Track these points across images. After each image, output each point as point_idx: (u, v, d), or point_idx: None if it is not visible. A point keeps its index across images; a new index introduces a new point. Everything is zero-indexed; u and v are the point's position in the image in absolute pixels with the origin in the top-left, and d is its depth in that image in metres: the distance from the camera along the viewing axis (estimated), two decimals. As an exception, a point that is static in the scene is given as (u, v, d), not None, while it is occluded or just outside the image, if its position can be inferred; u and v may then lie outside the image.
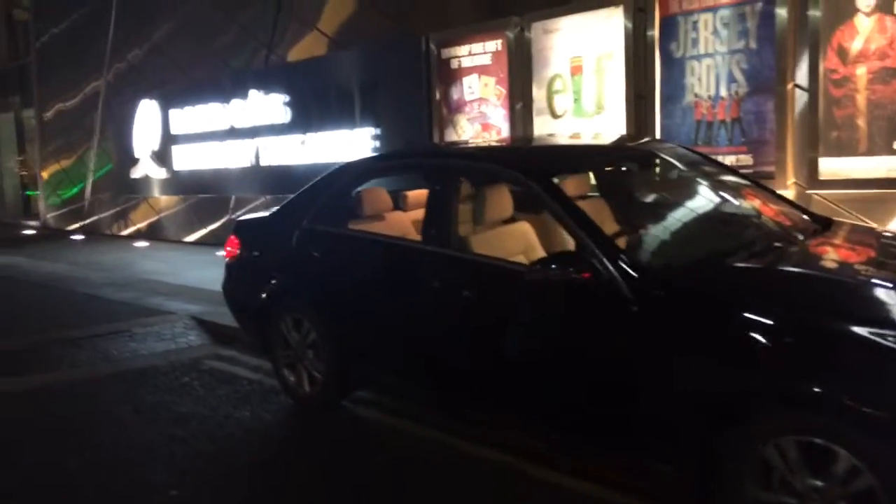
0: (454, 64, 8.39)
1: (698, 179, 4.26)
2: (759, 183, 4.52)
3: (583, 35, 7.19)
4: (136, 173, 14.38)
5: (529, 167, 3.85)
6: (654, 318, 3.07)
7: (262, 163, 11.41)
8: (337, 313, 4.57)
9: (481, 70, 8.13)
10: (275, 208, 5.35)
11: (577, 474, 3.66)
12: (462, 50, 8.30)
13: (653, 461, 3.09)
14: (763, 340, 2.78)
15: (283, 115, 10.94)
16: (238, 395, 5.21)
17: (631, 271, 3.15)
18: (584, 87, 7.24)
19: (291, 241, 4.84)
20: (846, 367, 2.63)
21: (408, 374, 4.32)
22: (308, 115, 10.57)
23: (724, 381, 2.83)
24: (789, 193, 5.71)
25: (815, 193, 5.85)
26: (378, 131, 9.64)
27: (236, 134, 11.79)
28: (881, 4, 5.39)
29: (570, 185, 4.20)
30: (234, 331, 6.40)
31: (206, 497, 3.82)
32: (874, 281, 3.28)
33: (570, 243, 4.36)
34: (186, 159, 13.02)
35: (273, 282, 4.96)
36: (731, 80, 6.17)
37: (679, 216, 4.03)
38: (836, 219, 4.33)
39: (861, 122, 5.55)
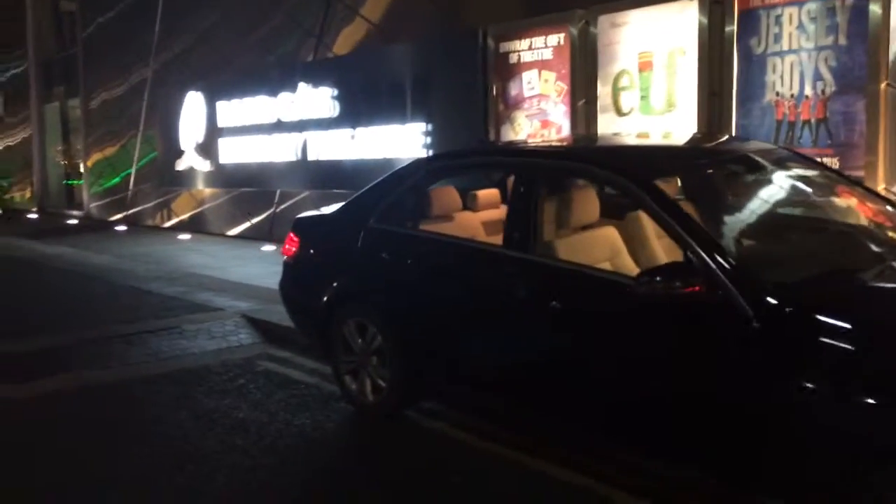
0: (513, 58, 8.08)
1: (811, 185, 3.93)
2: (873, 190, 4.18)
3: (653, 29, 6.86)
4: (181, 165, 14.29)
5: (629, 169, 3.57)
6: (779, 338, 2.77)
7: (310, 157, 11.21)
8: (407, 320, 4.32)
9: (542, 65, 7.83)
10: (338, 205, 5.08)
11: None
12: (522, 44, 7.99)
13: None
14: None
15: (332, 108, 10.71)
16: (296, 400, 4.99)
17: (751, 285, 2.85)
18: (652, 84, 6.90)
19: (357, 241, 4.60)
20: None
21: (486, 386, 4.07)
22: (357, 110, 10.33)
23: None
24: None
25: (908, 200, 5.49)
26: (430, 127, 9.36)
27: (283, 127, 11.61)
28: None
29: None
30: (286, 330, 6.20)
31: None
32: None
33: (660, 251, 4.09)
34: (232, 152, 12.87)
35: (336, 284, 4.72)
36: (818, 77, 5.81)
37: (793, 225, 3.70)
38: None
39: (960, 124, 5.19)
